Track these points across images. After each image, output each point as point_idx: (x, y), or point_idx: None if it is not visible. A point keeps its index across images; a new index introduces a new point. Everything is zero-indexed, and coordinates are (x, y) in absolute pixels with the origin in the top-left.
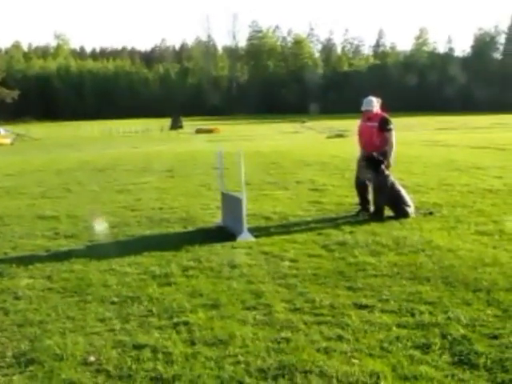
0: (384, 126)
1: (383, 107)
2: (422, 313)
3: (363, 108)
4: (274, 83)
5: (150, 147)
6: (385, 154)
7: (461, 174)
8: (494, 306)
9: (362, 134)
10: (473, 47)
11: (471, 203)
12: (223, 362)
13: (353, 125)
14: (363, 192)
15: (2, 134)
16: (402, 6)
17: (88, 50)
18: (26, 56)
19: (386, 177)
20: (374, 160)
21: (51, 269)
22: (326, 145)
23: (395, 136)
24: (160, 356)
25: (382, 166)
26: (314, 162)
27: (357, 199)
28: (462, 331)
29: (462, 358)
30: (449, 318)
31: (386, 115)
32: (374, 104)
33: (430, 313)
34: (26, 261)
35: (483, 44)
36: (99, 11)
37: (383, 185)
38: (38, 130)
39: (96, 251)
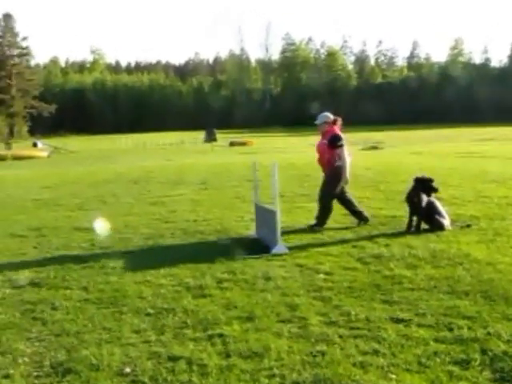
0: (334, 143)
1: (341, 126)
2: (460, 327)
3: (317, 122)
4: (307, 95)
5: (183, 159)
6: (337, 171)
7: (498, 185)
8: None
9: (317, 150)
10: (510, 57)
11: (510, 215)
12: (258, 374)
13: (387, 136)
14: (348, 206)
15: (40, 147)
16: (436, 17)
17: (123, 64)
18: (64, 71)
19: (420, 195)
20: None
21: (87, 280)
22: (359, 157)
23: (347, 151)
24: (195, 368)
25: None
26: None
27: (392, 212)
28: (503, 347)
29: (504, 375)
30: (489, 334)
31: (337, 133)
32: (327, 119)
33: (469, 328)
34: (62, 272)
35: None
36: (134, 26)
37: (419, 202)
38: (74, 143)
39: (131, 263)
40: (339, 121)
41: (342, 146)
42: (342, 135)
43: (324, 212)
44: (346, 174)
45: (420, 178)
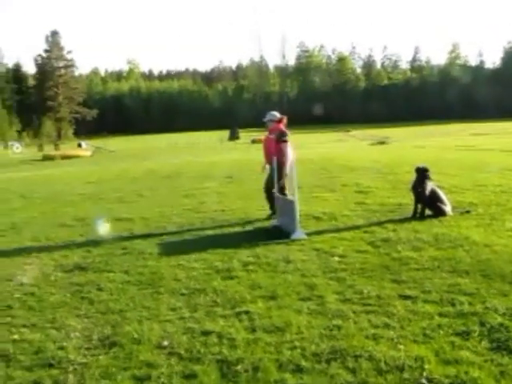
0: (279, 138)
1: (286, 124)
2: (461, 303)
3: (265, 119)
4: (320, 97)
5: (211, 156)
6: (282, 165)
7: (494, 175)
8: None
9: (264, 145)
10: (502, 59)
11: (505, 202)
12: (281, 347)
13: (393, 132)
14: (271, 199)
15: (84, 147)
16: (435, 24)
17: (155, 72)
18: (103, 80)
19: (424, 185)
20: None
21: (128, 264)
22: (368, 151)
23: (290, 147)
24: (225, 341)
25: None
26: (359, 167)
27: (399, 200)
28: (500, 320)
29: (500, 344)
30: (487, 308)
31: (283, 129)
32: (273, 118)
33: (469, 303)
34: (106, 257)
35: None
36: (165, 38)
37: (422, 191)
38: (114, 143)
39: (166, 249)
40: (285, 119)
41: (286, 141)
42: (288, 132)
43: (271, 202)
44: (288, 167)
45: (420, 167)
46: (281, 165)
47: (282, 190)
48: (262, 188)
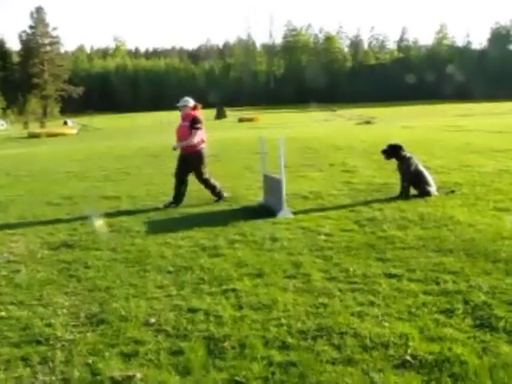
0: (192, 124)
1: (199, 110)
2: (445, 281)
3: (179, 104)
4: (307, 76)
5: None
6: (200, 153)
7: (479, 156)
8: None
9: (178, 131)
10: (489, 40)
11: (489, 182)
12: (268, 324)
13: (379, 112)
14: (180, 187)
15: (70, 125)
16: (423, 4)
17: (142, 50)
18: (89, 57)
19: (409, 159)
20: (392, 149)
21: (115, 242)
22: (355, 131)
23: (200, 135)
24: (212, 318)
25: (403, 153)
26: (345, 146)
27: (384, 179)
28: (483, 298)
29: (483, 321)
30: (470, 286)
31: (197, 115)
32: (188, 104)
33: (453, 281)
34: (93, 235)
35: (499, 37)
36: (152, 15)
37: (407, 168)
38: (100, 121)
39: (153, 227)
40: (199, 107)
41: (199, 128)
42: (201, 119)
43: (213, 188)
44: (184, 142)
45: (393, 144)
46: (198, 154)
47: (206, 181)
48: (238, 167)
